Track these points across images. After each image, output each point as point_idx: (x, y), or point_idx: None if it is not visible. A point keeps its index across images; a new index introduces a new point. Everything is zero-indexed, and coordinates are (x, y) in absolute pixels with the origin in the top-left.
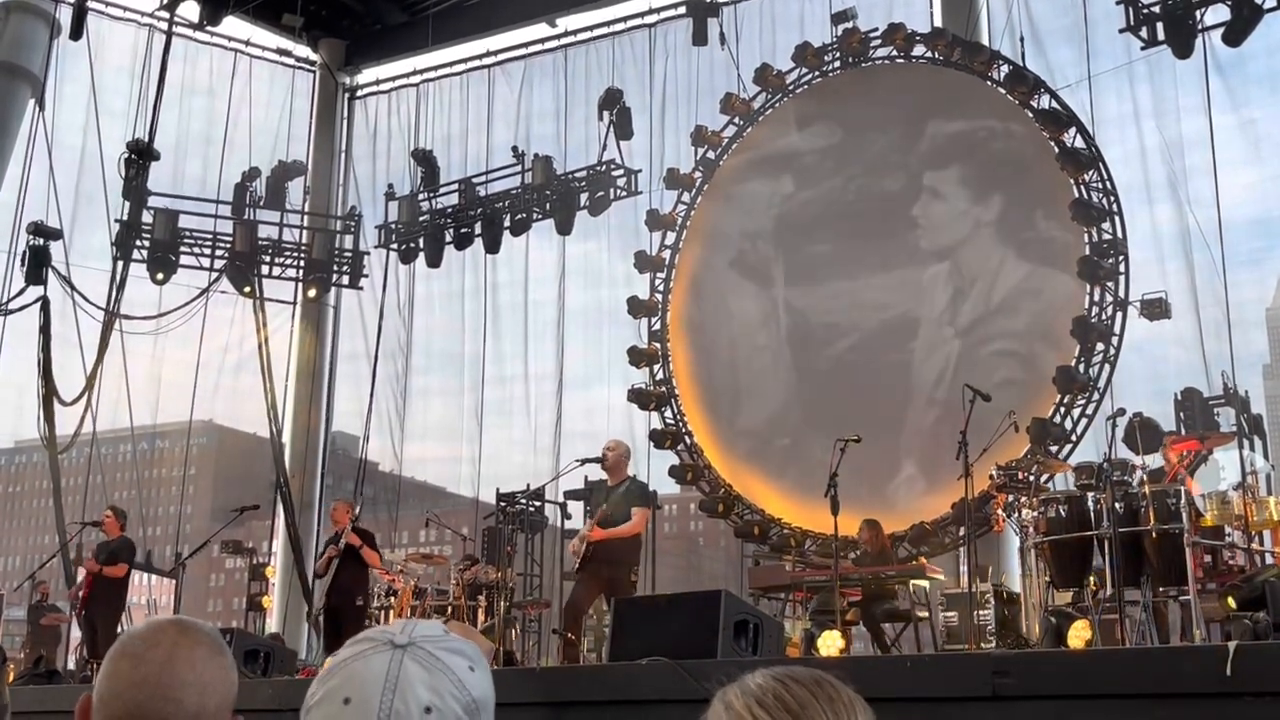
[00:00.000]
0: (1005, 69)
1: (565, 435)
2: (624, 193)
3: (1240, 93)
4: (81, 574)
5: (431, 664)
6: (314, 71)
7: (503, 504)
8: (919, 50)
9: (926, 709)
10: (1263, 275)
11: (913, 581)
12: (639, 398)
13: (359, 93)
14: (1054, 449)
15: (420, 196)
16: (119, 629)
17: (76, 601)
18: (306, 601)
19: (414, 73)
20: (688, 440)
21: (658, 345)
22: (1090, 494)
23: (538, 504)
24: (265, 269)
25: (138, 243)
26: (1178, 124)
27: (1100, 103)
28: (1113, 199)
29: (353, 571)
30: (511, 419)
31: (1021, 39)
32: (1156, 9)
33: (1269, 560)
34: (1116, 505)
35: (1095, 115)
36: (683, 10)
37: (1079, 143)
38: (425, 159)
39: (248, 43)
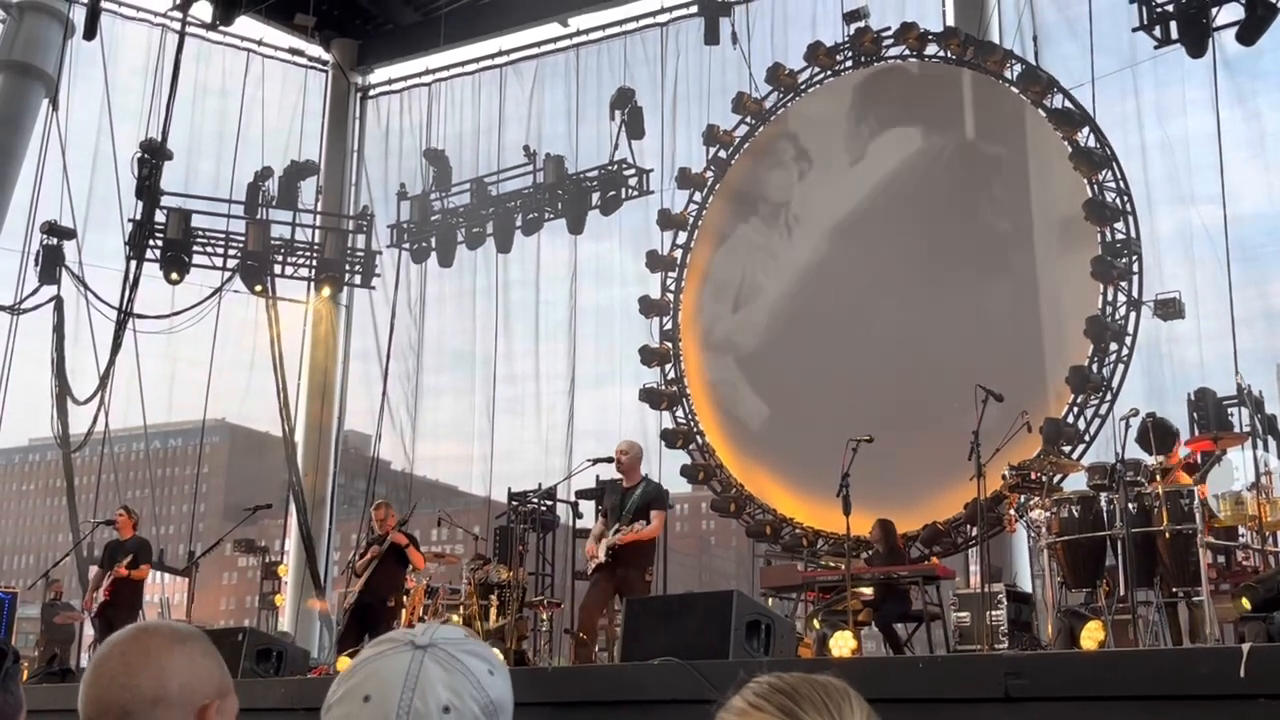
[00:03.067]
0: (1018, 68)
1: (577, 434)
2: (635, 192)
3: (1247, 88)
4: (92, 574)
5: (451, 665)
6: (326, 71)
7: (514, 503)
8: (931, 49)
9: (939, 710)
10: (1274, 273)
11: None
12: (651, 397)
13: (371, 92)
14: (1067, 449)
15: (432, 196)
16: None
17: (94, 606)
18: (319, 594)
19: (426, 72)
20: (699, 440)
21: (669, 344)
22: (1103, 494)
23: (549, 503)
24: (278, 268)
25: (151, 242)
26: (1184, 121)
27: (1104, 101)
28: (1126, 198)
29: (389, 572)
30: (523, 418)
31: (1035, 38)
32: (1170, 8)
33: None
34: (1130, 505)
35: (1100, 114)
36: (694, 9)
37: (1092, 142)
38: (437, 158)
39: (260, 42)
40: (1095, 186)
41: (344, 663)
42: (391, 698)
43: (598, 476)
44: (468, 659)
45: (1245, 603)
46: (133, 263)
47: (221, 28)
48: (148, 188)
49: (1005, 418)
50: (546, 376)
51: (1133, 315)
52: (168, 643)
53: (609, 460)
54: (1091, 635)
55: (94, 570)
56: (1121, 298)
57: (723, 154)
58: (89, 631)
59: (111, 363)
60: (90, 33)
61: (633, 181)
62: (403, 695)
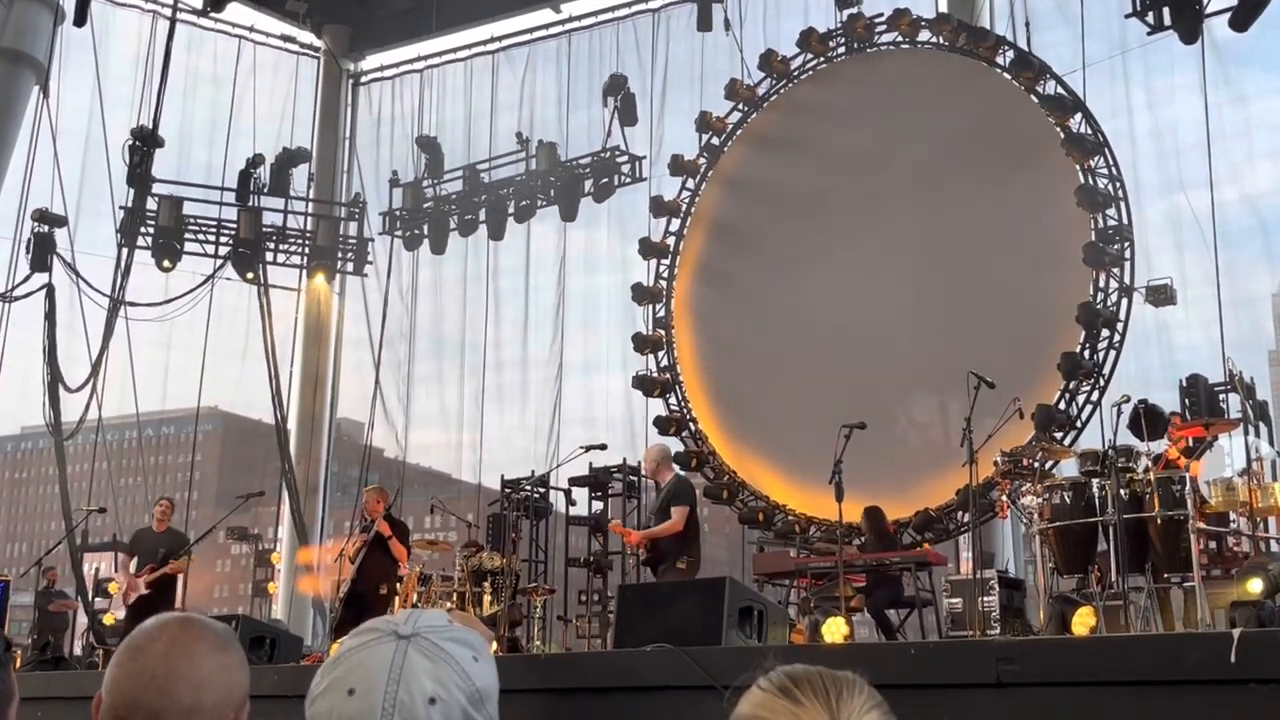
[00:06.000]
0: (1010, 54)
1: (565, 421)
2: (628, 179)
3: (1234, 71)
4: (127, 563)
5: (435, 654)
6: (318, 58)
7: (508, 490)
8: (924, 36)
9: (931, 696)
10: (1268, 260)
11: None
12: (643, 384)
13: (363, 79)
14: (1059, 435)
15: (424, 183)
16: None
17: (132, 596)
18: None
19: (418, 59)
20: (692, 427)
21: (662, 332)
22: (1095, 480)
23: (542, 490)
24: (270, 256)
25: (142, 230)
26: (1171, 107)
27: (1095, 88)
28: (1119, 185)
29: (379, 559)
30: (514, 405)
31: (1027, 24)
32: None
33: (1274, 546)
34: (1121, 491)
35: (1090, 100)
36: None
37: (1084, 128)
38: (429, 145)
39: (252, 29)
40: (1087, 173)
41: (332, 649)
42: (376, 691)
43: (590, 464)
44: (452, 646)
45: (1251, 585)
46: (124, 250)
47: (213, 14)
48: (139, 175)
49: (997, 404)
50: (535, 363)
51: (1124, 302)
52: (212, 649)
53: (601, 447)
54: (1083, 621)
55: (125, 559)
56: (1113, 284)
57: (715, 141)
58: (82, 619)
59: (104, 350)
60: (81, 19)
61: (625, 168)
62: (387, 688)
